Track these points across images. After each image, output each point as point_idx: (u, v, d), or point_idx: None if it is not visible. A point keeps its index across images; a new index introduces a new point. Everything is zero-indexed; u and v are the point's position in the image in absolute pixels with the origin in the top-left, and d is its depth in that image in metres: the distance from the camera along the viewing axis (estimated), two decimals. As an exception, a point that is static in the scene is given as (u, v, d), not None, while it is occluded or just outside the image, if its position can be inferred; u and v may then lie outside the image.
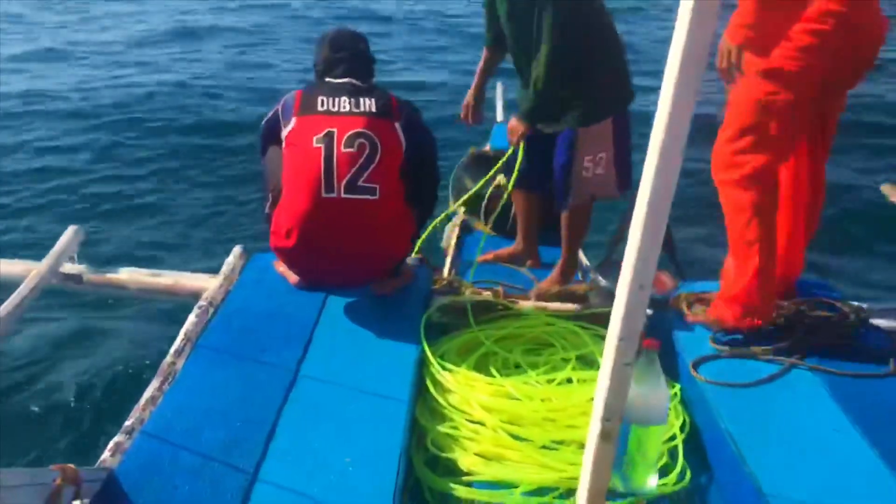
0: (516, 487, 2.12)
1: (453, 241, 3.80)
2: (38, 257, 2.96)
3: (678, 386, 2.53)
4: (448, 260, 3.64)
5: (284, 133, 2.59)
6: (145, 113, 7.51)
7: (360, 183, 2.51)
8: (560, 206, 3.17)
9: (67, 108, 7.66)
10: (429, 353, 2.53)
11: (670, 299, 2.32)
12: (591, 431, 1.69)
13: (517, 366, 2.61)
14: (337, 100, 2.58)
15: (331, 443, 2.09)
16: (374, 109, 2.58)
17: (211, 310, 2.76)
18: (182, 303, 2.89)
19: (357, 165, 2.51)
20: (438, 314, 2.89)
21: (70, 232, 3.12)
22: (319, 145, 2.51)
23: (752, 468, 2.04)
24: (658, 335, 2.65)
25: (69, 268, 3.02)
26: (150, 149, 6.46)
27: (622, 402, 1.65)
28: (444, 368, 2.48)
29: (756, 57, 2.32)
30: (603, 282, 2.13)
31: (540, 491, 2.11)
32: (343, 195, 2.50)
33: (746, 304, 2.53)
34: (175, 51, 10.34)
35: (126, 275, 3.06)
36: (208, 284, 2.95)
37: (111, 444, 2.12)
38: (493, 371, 2.54)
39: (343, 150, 2.51)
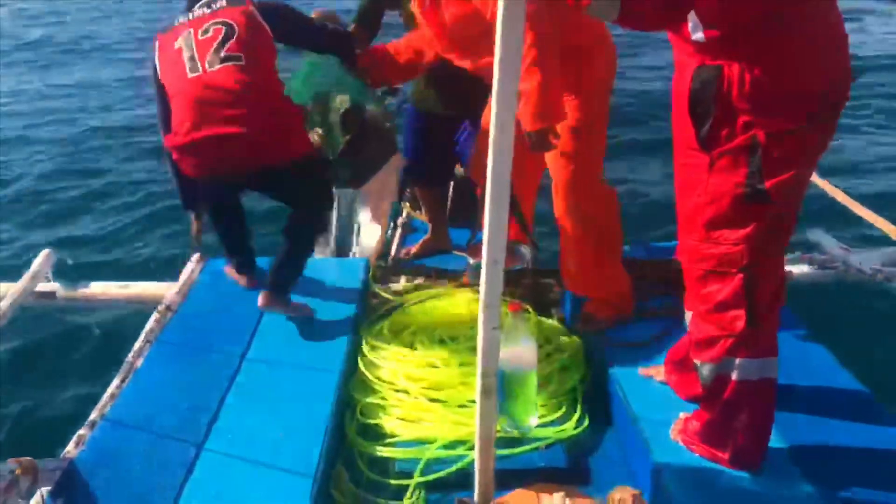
0: (433, 443, 2.23)
1: (397, 237, 3.88)
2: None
3: (580, 341, 2.64)
4: (392, 251, 3.73)
5: (156, 58, 2.55)
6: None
7: (221, 54, 2.42)
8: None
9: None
10: (361, 335, 2.64)
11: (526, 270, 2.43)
12: (476, 388, 1.80)
13: (441, 340, 2.71)
14: (192, 13, 2.55)
15: (267, 417, 2.20)
16: (225, 4, 2.53)
17: (169, 313, 2.85)
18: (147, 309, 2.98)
19: (215, 43, 2.43)
20: (374, 299, 3.01)
21: (43, 255, 3.20)
22: (180, 45, 2.48)
23: (633, 405, 2.17)
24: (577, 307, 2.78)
25: (43, 286, 3.11)
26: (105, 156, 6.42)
27: (496, 361, 1.76)
28: (373, 347, 2.59)
29: None
30: (472, 261, 2.25)
31: (453, 445, 2.23)
32: (207, 70, 2.41)
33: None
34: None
35: (96, 288, 3.15)
36: (169, 290, 3.03)
37: (74, 437, 2.22)
38: (419, 346, 2.64)
39: (200, 38, 2.45)
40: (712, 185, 1.71)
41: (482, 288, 1.67)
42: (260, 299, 2.64)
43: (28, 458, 1.88)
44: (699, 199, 1.75)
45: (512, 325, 1.79)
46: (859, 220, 3.31)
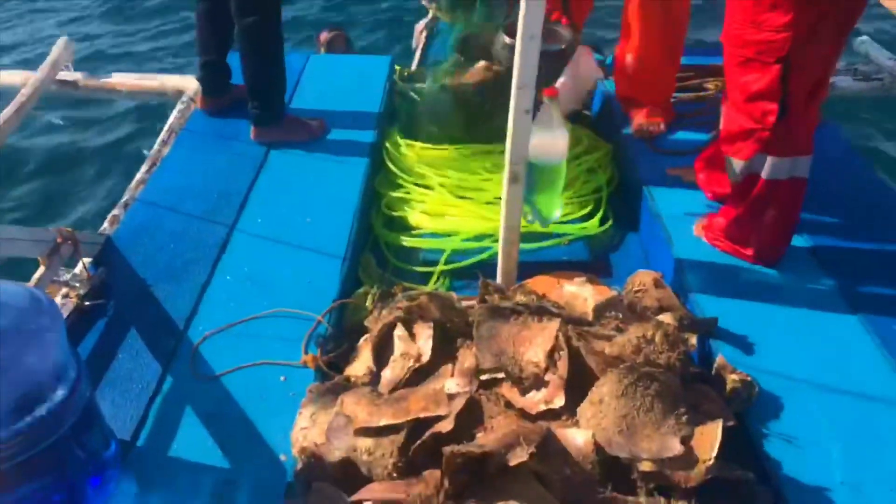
0: (458, 235, 2.27)
1: (422, 40, 3.71)
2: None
3: (609, 146, 2.60)
4: (417, 55, 3.59)
5: None
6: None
7: None
8: None
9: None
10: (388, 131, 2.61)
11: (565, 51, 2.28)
12: (504, 176, 1.80)
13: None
14: None
15: (296, 204, 2.24)
16: None
17: (193, 105, 2.82)
18: (168, 101, 2.95)
19: None
20: (400, 99, 2.95)
21: (61, 42, 3.12)
22: None
23: (657, 203, 2.17)
24: (602, 103, 2.71)
25: (65, 75, 3.06)
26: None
27: (526, 146, 1.73)
28: (398, 143, 2.57)
29: None
30: (507, 40, 2.14)
31: (478, 237, 2.27)
32: None
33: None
34: None
35: (117, 79, 3.10)
36: (191, 84, 2.98)
37: (109, 216, 2.29)
38: (447, 143, 2.60)
39: None
40: None
41: (516, 66, 1.61)
42: (251, 134, 2.50)
43: (68, 228, 1.93)
44: None
45: (544, 112, 1.73)
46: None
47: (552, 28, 2.15)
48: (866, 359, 1.64)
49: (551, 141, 1.78)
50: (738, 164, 1.87)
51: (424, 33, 3.76)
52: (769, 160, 1.81)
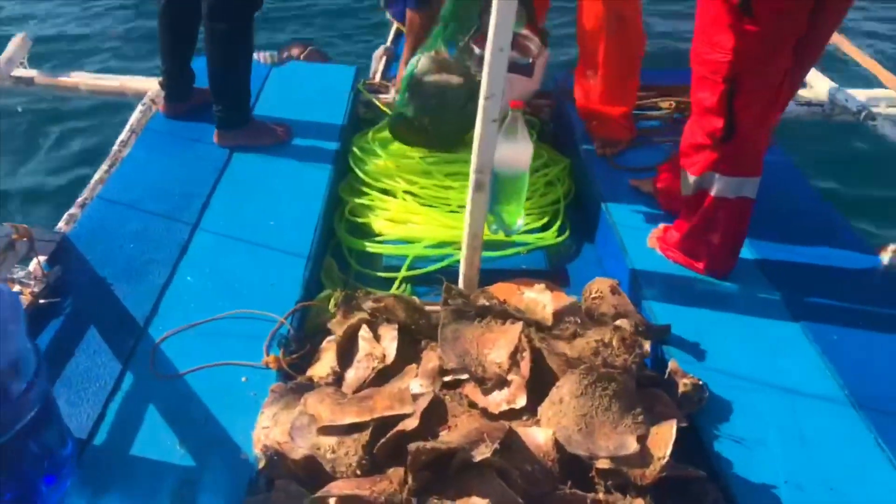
0: (420, 242, 2.29)
1: (381, 66, 3.71)
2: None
3: (568, 160, 2.67)
4: (377, 78, 3.59)
5: None
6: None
7: None
8: None
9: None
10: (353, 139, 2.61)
11: (534, 64, 2.33)
12: (469, 182, 1.83)
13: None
14: None
15: (259, 207, 2.22)
16: None
17: (154, 107, 2.78)
18: (129, 102, 2.90)
19: None
20: (364, 109, 2.97)
21: (18, 38, 3.05)
22: None
23: (613, 214, 2.23)
24: (561, 119, 2.77)
25: (20, 72, 2.98)
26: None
27: (491, 155, 1.77)
28: (363, 150, 2.58)
29: None
30: (477, 51, 2.19)
31: (440, 244, 2.29)
32: None
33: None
34: None
35: (76, 78, 3.04)
36: (152, 85, 2.94)
37: (66, 215, 2.23)
38: (411, 152, 2.62)
39: None
40: None
41: (484, 78, 1.65)
42: (214, 138, 2.48)
43: (24, 225, 1.88)
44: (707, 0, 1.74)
45: (510, 123, 1.77)
46: (847, 60, 3.28)
47: (521, 41, 2.21)
48: (808, 364, 1.72)
49: (516, 151, 1.82)
50: (691, 178, 1.94)
51: (384, 59, 3.77)
52: (718, 178, 1.89)
